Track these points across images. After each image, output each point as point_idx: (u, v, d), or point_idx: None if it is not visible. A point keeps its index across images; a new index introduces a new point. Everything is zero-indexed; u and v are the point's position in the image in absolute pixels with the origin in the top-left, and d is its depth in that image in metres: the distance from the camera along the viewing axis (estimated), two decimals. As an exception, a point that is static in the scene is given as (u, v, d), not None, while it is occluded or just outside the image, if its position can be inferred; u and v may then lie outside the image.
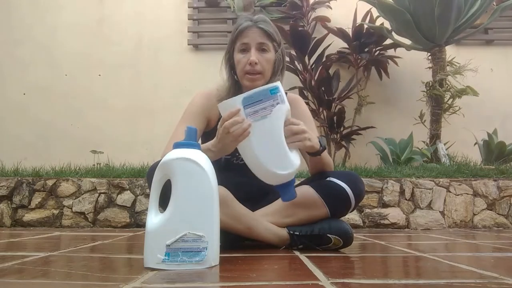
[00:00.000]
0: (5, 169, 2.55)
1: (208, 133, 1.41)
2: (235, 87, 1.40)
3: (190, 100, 1.44)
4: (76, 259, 1.11)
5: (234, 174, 1.36)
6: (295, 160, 1.08)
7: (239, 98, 1.05)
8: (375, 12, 3.10)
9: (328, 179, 1.28)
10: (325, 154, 1.30)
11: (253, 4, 3.37)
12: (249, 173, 1.38)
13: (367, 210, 2.19)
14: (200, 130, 1.38)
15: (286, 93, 1.47)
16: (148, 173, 1.23)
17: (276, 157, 1.07)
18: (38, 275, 0.86)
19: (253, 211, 1.27)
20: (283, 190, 1.10)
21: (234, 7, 3.38)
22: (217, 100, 1.39)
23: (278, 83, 1.08)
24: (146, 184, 2.21)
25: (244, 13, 3.28)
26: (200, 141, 1.40)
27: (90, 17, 3.52)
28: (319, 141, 1.20)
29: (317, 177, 1.33)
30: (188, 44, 3.45)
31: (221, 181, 1.03)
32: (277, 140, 1.07)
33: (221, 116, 1.37)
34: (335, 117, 3.08)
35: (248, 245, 1.27)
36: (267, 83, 1.36)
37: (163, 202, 0.93)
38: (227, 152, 1.14)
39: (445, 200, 2.23)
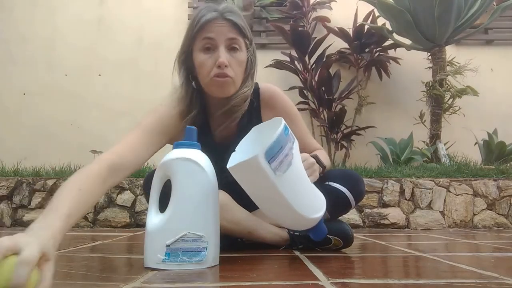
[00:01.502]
0: (5, 169, 2.55)
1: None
2: (196, 97, 1.17)
3: (147, 115, 1.17)
4: (76, 259, 1.11)
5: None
6: (321, 196, 1.02)
7: (262, 155, 0.84)
8: (376, 13, 3.10)
9: (327, 183, 1.23)
10: (323, 156, 1.26)
11: (253, 4, 3.36)
12: None
13: (367, 210, 2.19)
14: (154, 150, 1.12)
15: (259, 87, 1.24)
16: (144, 183, 1.20)
17: (311, 201, 0.99)
18: (38, 275, 0.86)
19: (252, 212, 1.27)
20: (316, 229, 1.02)
21: (234, 7, 3.37)
22: (181, 117, 1.16)
23: (281, 119, 0.93)
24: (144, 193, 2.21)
25: (245, 12, 3.27)
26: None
27: (90, 17, 3.51)
28: (317, 161, 1.13)
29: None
30: (188, 44, 3.44)
31: (220, 180, 1.02)
32: (306, 183, 0.99)
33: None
34: (335, 117, 3.08)
35: (248, 245, 1.27)
36: (237, 91, 1.15)
37: (163, 202, 0.93)
38: None
39: (445, 200, 2.23)
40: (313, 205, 0.99)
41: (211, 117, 1.22)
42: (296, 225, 1.03)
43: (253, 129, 1.02)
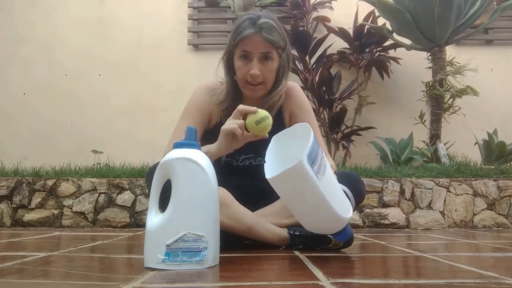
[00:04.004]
0: (5, 169, 2.55)
1: (210, 132, 1.38)
2: (234, 90, 1.35)
3: (192, 93, 1.40)
4: (76, 259, 1.11)
5: (234, 176, 1.35)
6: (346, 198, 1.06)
7: (305, 160, 0.88)
8: (376, 13, 3.10)
9: None
10: (330, 161, 1.31)
11: (253, 4, 3.36)
12: (249, 175, 1.38)
13: (367, 210, 2.19)
14: (202, 126, 1.35)
15: None
16: (147, 174, 1.22)
17: (344, 201, 1.01)
18: (38, 275, 0.86)
19: (253, 212, 1.27)
20: (343, 231, 1.06)
21: (234, 7, 3.38)
22: (216, 104, 1.35)
23: (306, 124, 1.00)
24: (146, 185, 2.21)
25: (245, 12, 3.27)
26: (201, 139, 1.39)
27: (90, 18, 3.51)
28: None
29: None
30: (188, 44, 3.45)
31: (221, 185, 1.03)
32: (337, 186, 1.02)
33: (223, 114, 1.36)
34: (335, 117, 3.08)
35: (248, 245, 1.27)
36: (269, 92, 1.33)
37: (163, 202, 0.93)
38: (225, 153, 1.16)
39: (445, 200, 2.23)
40: (346, 205, 1.02)
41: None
42: (332, 227, 1.04)
43: (273, 138, 1.06)
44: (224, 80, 1.37)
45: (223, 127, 1.11)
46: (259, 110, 1.08)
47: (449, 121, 2.97)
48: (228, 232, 1.17)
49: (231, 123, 1.08)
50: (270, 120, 1.07)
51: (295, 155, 0.91)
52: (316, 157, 0.93)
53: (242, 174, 1.37)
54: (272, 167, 0.97)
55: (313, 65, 3.16)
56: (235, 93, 1.34)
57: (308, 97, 3.09)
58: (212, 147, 1.16)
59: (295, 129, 1.05)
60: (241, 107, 1.09)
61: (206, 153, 1.03)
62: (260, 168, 1.39)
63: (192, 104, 1.37)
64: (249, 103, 1.37)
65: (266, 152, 1.03)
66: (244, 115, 1.09)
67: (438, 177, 2.31)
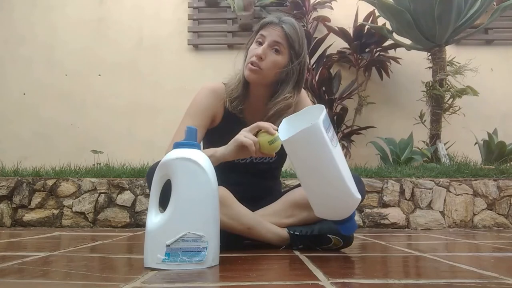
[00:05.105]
0: (5, 169, 2.55)
1: (213, 131, 1.38)
2: (244, 81, 1.35)
3: (195, 94, 1.39)
4: (76, 259, 1.11)
5: (235, 174, 1.35)
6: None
7: (321, 123, 0.90)
8: (376, 13, 3.10)
9: None
10: None
11: (253, 4, 3.36)
12: (249, 172, 1.38)
13: (367, 210, 2.19)
14: (204, 127, 1.34)
15: None
16: (147, 173, 1.23)
17: (353, 182, 1.01)
18: (38, 275, 0.86)
19: (253, 212, 1.27)
20: (349, 220, 1.04)
21: (234, 7, 3.38)
22: (227, 97, 1.36)
23: (321, 105, 1.00)
24: (146, 184, 2.21)
25: (245, 12, 3.29)
26: (203, 138, 1.38)
27: (90, 18, 3.51)
28: None
29: None
30: (188, 44, 3.45)
31: (221, 182, 1.02)
32: (346, 164, 1.01)
33: (226, 113, 1.36)
34: (335, 117, 3.08)
35: (248, 245, 1.27)
36: (265, 87, 1.34)
37: (163, 202, 0.93)
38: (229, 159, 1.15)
39: (445, 200, 2.23)
40: (354, 185, 1.01)
41: (248, 102, 1.38)
42: (342, 206, 1.00)
43: (284, 120, 1.07)
44: (241, 69, 1.39)
45: (238, 137, 1.10)
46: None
47: (449, 121, 2.97)
48: (228, 232, 1.17)
49: (247, 138, 1.08)
50: (281, 141, 1.04)
51: (309, 122, 0.91)
52: (329, 128, 0.93)
53: (242, 171, 1.37)
54: (286, 133, 0.97)
55: (313, 65, 3.16)
56: (244, 84, 1.35)
57: (308, 97, 3.13)
58: (217, 151, 1.16)
59: (306, 110, 1.04)
60: (262, 124, 1.09)
61: (210, 156, 1.02)
62: (260, 166, 1.39)
63: (196, 105, 1.36)
64: (253, 103, 1.37)
65: (279, 129, 1.03)
66: (258, 130, 1.10)
67: (438, 177, 2.31)
